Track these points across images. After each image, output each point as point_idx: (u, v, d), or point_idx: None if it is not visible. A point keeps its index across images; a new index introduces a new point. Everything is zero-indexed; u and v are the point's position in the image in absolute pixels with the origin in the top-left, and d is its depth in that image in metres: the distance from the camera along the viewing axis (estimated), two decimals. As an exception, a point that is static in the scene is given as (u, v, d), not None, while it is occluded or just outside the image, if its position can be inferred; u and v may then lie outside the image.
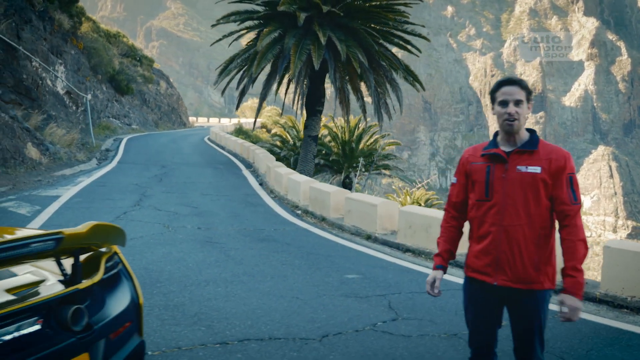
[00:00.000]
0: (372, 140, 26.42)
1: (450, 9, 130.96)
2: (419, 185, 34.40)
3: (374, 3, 15.36)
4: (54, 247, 2.11)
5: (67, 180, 13.38)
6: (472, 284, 2.61)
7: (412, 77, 15.95)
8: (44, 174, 14.19)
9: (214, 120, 58.19)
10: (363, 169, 23.74)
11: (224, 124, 33.57)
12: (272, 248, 7.20)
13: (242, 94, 16.57)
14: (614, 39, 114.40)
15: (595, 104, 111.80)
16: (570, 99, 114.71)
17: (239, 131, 30.94)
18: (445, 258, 2.69)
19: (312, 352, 3.79)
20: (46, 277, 2.35)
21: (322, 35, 13.94)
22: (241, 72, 16.32)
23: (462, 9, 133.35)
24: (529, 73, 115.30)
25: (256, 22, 16.32)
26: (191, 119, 48.33)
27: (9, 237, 1.94)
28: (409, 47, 15.58)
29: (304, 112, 16.24)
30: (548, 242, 2.49)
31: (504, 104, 2.48)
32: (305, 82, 14.92)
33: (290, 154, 25.37)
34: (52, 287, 2.24)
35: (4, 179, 12.74)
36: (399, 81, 16.72)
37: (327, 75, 15.84)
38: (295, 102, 15.68)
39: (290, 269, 6.17)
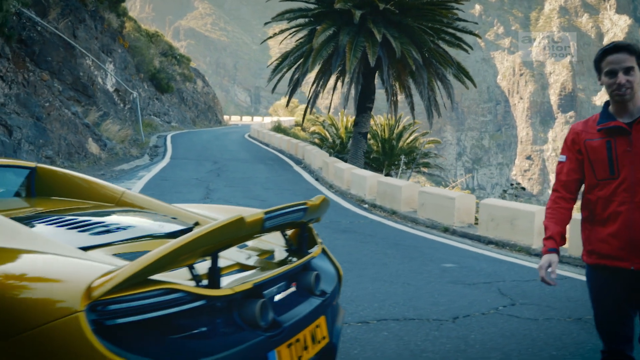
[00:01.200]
0: (411, 138, 26.48)
1: (478, 7, 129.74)
2: (453, 184, 34.29)
3: (426, 0, 15.43)
4: (302, 216, 2.30)
5: (128, 175, 13.74)
6: (600, 273, 2.37)
7: (464, 74, 15.98)
8: (105, 168, 14.61)
9: (246, 119, 58.75)
10: (404, 167, 23.81)
11: (263, 122, 33.93)
12: (358, 239, 7.37)
13: (293, 90, 16.81)
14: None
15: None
16: (601, 99, 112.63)
17: (278, 129, 31.25)
18: (557, 241, 2.41)
19: (451, 331, 3.94)
20: (273, 248, 2.53)
21: (377, 32, 14.08)
22: (292, 69, 16.55)
23: (490, 7, 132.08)
24: (559, 72, 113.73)
25: (307, 20, 16.53)
26: (224, 117, 48.92)
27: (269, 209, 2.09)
28: (462, 44, 15.61)
29: (341, 111, 16.43)
30: None
31: (612, 74, 2.23)
32: (359, 79, 15.07)
33: (330, 152, 25.57)
34: (287, 255, 2.43)
35: (71, 173, 13.18)
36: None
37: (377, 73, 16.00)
38: (347, 99, 15.84)
39: (386, 257, 6.32)
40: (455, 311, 4.41)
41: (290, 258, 2.36)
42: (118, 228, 2.25)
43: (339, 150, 27.02)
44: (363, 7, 14.68)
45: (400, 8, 14.89)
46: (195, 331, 1.71)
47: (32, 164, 3.18)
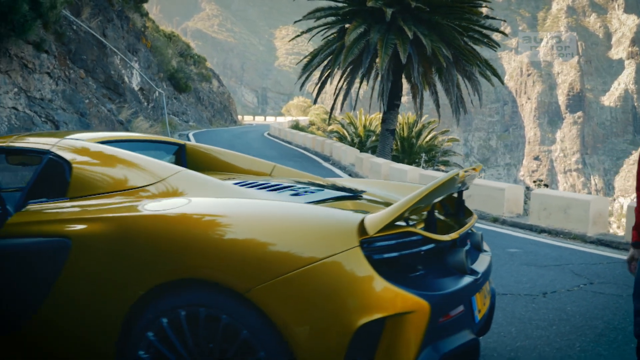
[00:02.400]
0: (430, 136, 26.68)
1: (484, 7, 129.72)
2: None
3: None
4: (466, 187, 2.54)
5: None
6: None
7: (491, 71, 16.19)
8: (140, 164, 14.90)
9: (259, 119, 59.16)
10: (424, 165, 24.01)
11: (281, 121, 34.34)
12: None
13: (321, 88, 17.05)
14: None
15: (635, 104, 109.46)
16: (609, 99, 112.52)
17: (295, 127, 31.56)
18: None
19: (547, 304, 4.17)
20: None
21: (408, 30, 14.31)
22: (321, 66, 16.79)
23: (497, 7, 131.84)
24: (567, 72, 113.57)
25: (336, 18, 16.76)
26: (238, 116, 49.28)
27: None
28: (490, 42, 15.82)
29: (359, 109, 16.67)
30: None
31: None
32: (389, 76, 15.29)
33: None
34: (454, 217, 2.66)
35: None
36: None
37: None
38: (376, 97, 16.07)
39: (451, 243, 6.56)
40: (540, 288, 4.64)
41: (460, 220, 2.58)
42: (314, 191, 2.50)
43: (358, 148, 27.27)
44: (393, 5, 14.91)
45: (430, 5, 15.10)
46: (425, 271, 1.96)
47: (181, 142, 3.44)
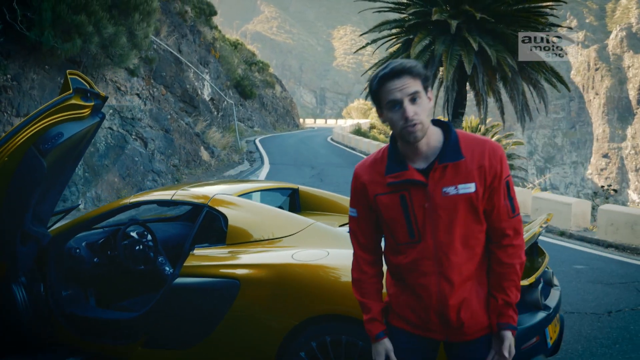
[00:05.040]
0: (494, 140, 26.62)
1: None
2: (531, 185, 33.94)
3: (519, 6, 15.79)
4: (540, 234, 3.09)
5: (240, 180, 14.92)
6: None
7: (557, 78, 16.22)
8: (216, 174, 15.92)
9: (320, 122, 60.15)
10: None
11: (343, 125, 35.12)
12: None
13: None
14: None
15: None
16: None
17: (357, 132, 32.13)
18: (382, 321, 1.93)
19: (611, 322, 4.61)
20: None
21: (473, 41, 14.62)
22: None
23: None
24: (638, 66, 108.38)
25: (399, 30, 17.24)
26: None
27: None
28: (556, 50, 15.85)
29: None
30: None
31: (395, 105, 1.71)
32: (454, 87, 15.65)
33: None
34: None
35: (191, 179, 14.54)
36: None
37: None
38: (441, 106, 16.44)
39: (519, 259, 6.99)
40: (606, 307, 5.06)
41: (534, 259, 3.14)
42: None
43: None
44: (458, 17, 15.25)
45: (495, 16, 15.33)
46: None
47: (295, 186, 4.14)
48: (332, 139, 30.03)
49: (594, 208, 9.53)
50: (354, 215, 1.94)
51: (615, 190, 19.40)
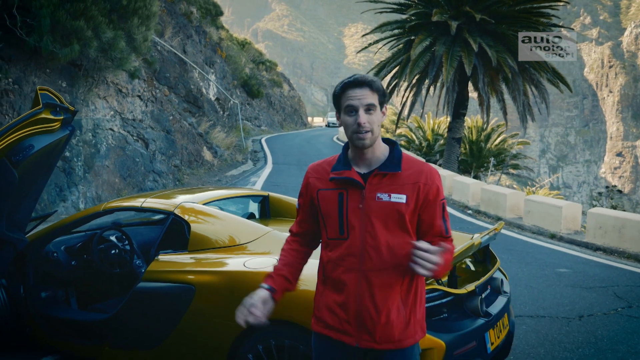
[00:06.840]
0: (499, 139, 26.56)
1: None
2: (539, 184, 33.81)
3: (520, 7, 15.79)
4: (494, 237, 3.21)
5: (242, 181, 15.07)
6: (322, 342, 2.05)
7: (559, 79, 16.20)
8: (219, 174, 16.10)
9: (331, 119, 60.14)
10: (494, 169, 24.03)
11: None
12: (471, 244, 8.15)
13: (389, 97, 17.67)
14: None
15: None
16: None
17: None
18: (276, 280, 2.10)
19: (580, 327, 4.70)
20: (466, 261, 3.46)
21: (473, 42, 14.66)
22: (388, 77, 17.40)
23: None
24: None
25: (400, 30, 17.31)
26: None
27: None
28: (557, 50, 15.84)
29: (428, 113, 17.01)
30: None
31: (352, 110, 1.91)
32: (455, 87, 15.70)
33: (417, 154, 26.13)
34: (480, 265, 3.35)
35: (193, 179, 14.74)
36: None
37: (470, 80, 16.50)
38: (442, 106, 16.49)
39: (503, 263, 7.06)
40: (579, 311, 5.15)
41: (486, 267, 3.27)
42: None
43: (426, 152, 27.57)
44: (458, 17, 15.29)
45: (495, 17, 15.36)
46: (445, 315, 2.67)
47: (265, 193, 4.28)
48: (338, 138, 30.15)
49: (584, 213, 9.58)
50: (297, 207, 2.16)
51: (620, 191, 19.33)
